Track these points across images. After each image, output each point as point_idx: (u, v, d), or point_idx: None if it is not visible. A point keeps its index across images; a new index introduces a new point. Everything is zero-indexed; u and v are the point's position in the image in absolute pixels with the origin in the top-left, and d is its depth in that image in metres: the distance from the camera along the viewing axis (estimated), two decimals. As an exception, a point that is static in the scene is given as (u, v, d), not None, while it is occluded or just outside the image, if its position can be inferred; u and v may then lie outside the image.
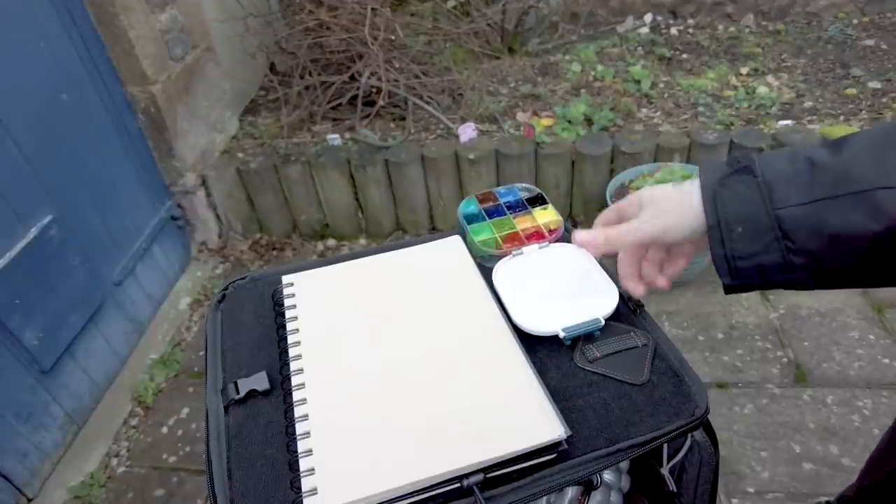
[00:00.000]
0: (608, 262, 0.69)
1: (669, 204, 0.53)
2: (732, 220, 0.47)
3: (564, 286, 0.66)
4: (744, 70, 2.50)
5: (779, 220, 0.46)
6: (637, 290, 0.59)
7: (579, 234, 0.58)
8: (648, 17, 2.99)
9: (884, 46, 2.61)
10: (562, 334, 0.60)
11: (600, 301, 0.63)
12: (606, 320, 0.63)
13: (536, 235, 0.73)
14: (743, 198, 0.47)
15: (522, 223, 0.75)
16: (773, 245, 0.46)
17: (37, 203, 1.52)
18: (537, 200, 0.79)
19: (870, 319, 1.78)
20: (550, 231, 0.74)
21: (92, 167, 1.74)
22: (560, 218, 0.75)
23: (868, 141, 0.45)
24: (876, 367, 1.65)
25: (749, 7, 2.93)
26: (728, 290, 0.51)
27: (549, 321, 0.61)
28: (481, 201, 0.79)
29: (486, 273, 0.69)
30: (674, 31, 2.91)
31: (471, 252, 0.73)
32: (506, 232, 0.74)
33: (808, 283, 0.48)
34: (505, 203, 0.79)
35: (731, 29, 2.89)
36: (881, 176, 0.43)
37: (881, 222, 0.42)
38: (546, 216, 0.76)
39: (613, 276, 0.67)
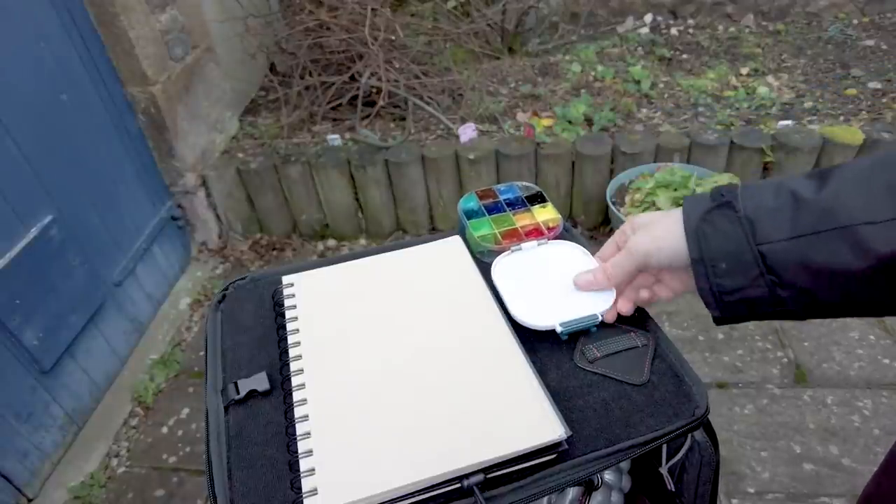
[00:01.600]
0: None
1: (656, 230, 0.54)
2: (716, 256, 0.47)
3: (562, 282, 0.66)
4: (744, 70, 2.50)
5: (763, 256, 0.45)
6: (624, 307, 0.62)
7: (581, 279, 0.63)
8: (648, 18, 2.99)
9: (884, 46, 2.61)
10: (559, 329, 0.60)
11: (598, 298, 0.64)
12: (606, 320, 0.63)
13: (535, 232, 0.74)
14: (725, 233, 0.47)
15: (521, 220, 0.76)
16: (759, 280, 0.46)
17: (37, 203, 1.52)
18: (536, 198, 0.79)
19: (870, 320, 1.78)
20: (549, 229, 0.74)
21: (92, 167, 1.74)
22: (559, 216, 0.76)
23: (853, 174, 0.44)
24: (876, 367, 1.65)
25: (749, 7, 2.93)
26: (718, 322, 0.51)
27: (546, 316, 0.62)
28: (481, 198, 0.80)
29: (485, 268, 0.69)
30: (674, 31, 2.91)
31: (469, 247, 0.73)
32: (505, 228, 0.74)
33: (798, 315, 0.48)
34: (504, 200, 0.79)
35: (731, 29, 2.89)
36: (865, 211, 0.42)
37: (865, 259, 0.41)
38: (545, 214, 0.76)
39: None
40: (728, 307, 0.49)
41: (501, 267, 0.69)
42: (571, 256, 0.70)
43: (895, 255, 0.40)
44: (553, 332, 0.61)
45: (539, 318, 0.62)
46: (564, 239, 0.73)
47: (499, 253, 0.71)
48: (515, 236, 0.73)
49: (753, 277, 0.46)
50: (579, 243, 0.72)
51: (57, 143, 1.60)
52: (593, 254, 0.70)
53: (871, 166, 0.43)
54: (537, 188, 0.81)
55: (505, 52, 2.72)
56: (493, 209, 0.78)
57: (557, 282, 0.67)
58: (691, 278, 0.54)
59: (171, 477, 1.58)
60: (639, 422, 0.53)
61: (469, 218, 0.76)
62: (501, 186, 0.81)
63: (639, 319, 0.64)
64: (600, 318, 0.62)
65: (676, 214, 0.52)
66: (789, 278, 0.45)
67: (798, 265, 0.44)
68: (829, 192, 0.43)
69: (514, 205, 0.78)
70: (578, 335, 0.62)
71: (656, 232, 0.54)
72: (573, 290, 0.65)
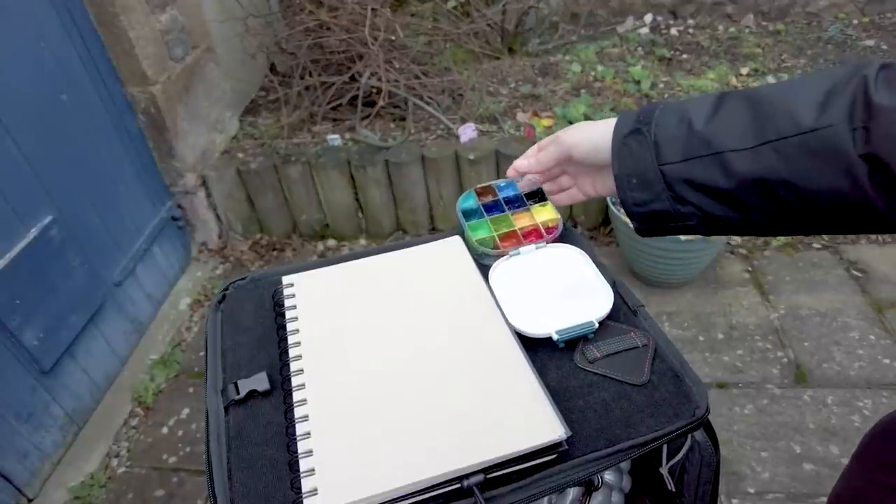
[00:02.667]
0: (604, 261, 0.69)
1: (587, 127, 0.63)
2: (630, 173, 0.56)
3: (560, 288, 0.66)
4: (744, 70, 2.50)
5: (663, 174, 0.54)
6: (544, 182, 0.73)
7: (518, 161, 0.71)
8: (648, 18, 2.99)
9: (884, 47, 2.61)
10: (555, 336, 0.60)
11: (595, 303, 0.63)
12: (607, 321, 0.63)
13: (534, 234, 0.73)
14: (637, 154, 0.55)
15: (520, 221, 0.75)
16: (662, 195, 0.54)
17: (37, 203, 1.52)
18: (536, 195, 0.78)
19: (870, 319, 1.78)
20: (548, 230, 0.73)
21: (92, 167, 1.74)
22: (558, 216, 0.75)
23: (731, 108, 0.52)
24: (876, 367, 1.65)
25: (749, 7, 2.93)
26: (639, 232, 0.60)
27: (543, 323, 0.61)
28: (480, 195, 0.78)
29: (483, 270, 0.69)
30: (674, 31, 2.91)
31: (469, 249, 0.73)
32: (503, 230, 0.74)
33: (700, 229, 0.55)
34: (504, 198, 0.78)
35: (732, 29, 2.89)
36: (733, 140, 0.50)
37: (729, 179, 0.50)
38: (544, 214, 0.75)
39: (609, 277, 0.67)
40: (642, 218, 0.57)
41: (499, 272, 0.68)
42: (569, 260, 0.70)
43: (753, 177, 0.49)
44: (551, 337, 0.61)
45: (536, 325, 0.62)
46: (564, 240, 0.73)
47: (497, 257, 0.70)
48: (514, 238, 0.72)
49: (657, 192, 0.55)
50: (579, 244, 0.72)
51: (57, 143, 1.60)
52: (592, 256, 0.70)
53: (745, 102, 0.51)
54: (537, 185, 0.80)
55: (505, 52, 2.72)
56: (492, 208, 0.77)
57: (555, 286, 0.66)
58: (603, 183, 0.66)
59: (171, 477, 1.58)
60: (639, 422, 0.53)
61: (468, 219, 0.75)
62: (501, 182, 0.80)
63: (639, 319, 0.64)
64: (596, 325, 0.62)
65: (607, 123, 0.60)
66: (681, 193, 0.53)
67: (686, 183, 0.53)
68: (713, 124, 0.52)
69: (513, 203, 0.77)
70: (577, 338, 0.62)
71: (584, 129, 0.63)
72: (571, 296, 0.65)
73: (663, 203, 0.54)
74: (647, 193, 0.55)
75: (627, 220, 1.49)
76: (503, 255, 0.71)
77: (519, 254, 0.71)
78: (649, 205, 0.55)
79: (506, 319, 0.63)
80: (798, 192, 0.48)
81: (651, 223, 0.57)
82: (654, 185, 0.54)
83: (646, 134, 0.55)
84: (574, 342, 0.61)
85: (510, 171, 0.72)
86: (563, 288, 0.66)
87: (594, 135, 0.61)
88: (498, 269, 0.69)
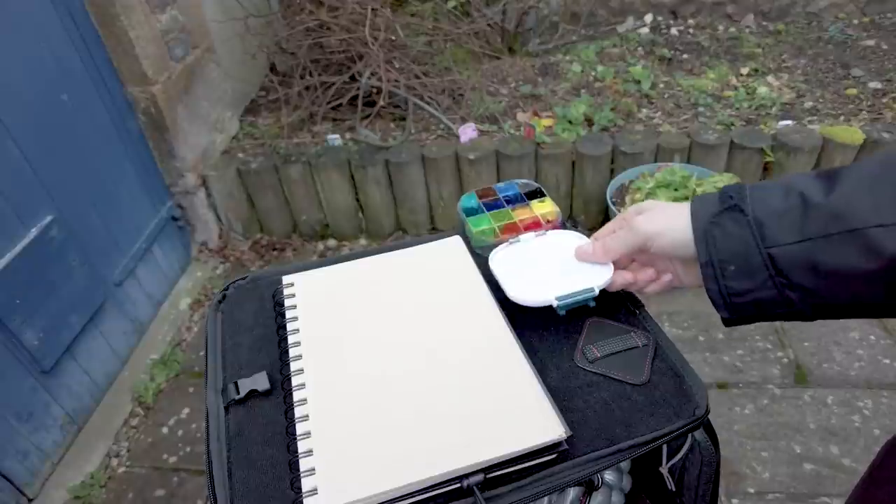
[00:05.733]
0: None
1: (664, 214, 0.55)
2: (725, 259, 0.48)
3: (560, 265, 0.66)
4: (744, 70, 2.50)
5: (772, 259, 0.46)
6: (619, 279, 0.62)
7: (579, 249, 0.63)
8: (649, 18, 2.99)
9: (884, 46, 2.61)
10: (556, 303, 0.60)
11: (594, 275, 0.63)
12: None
13: (534, 226, 0.74)
14: (734, 236, 0.47)
15: (520, 215, 0.76)
16: (768, 282, 0.47)
17: (37, 203, 1.52)
18: (535, 194, 0.79)
19: (870, 320, 1.78)
20: (548, 222, 0.74)
21: (92, 167, 1.74)
22: (558, 210, 0.76)
23: (862, 175, 0.44)
24: (876, 367, 1.65)
25: (749, 7, 2.93)
26: (727, 323, 0.52)
27: (543, 292, 0.61)
28: (481, 196, 0.80)
29: (484, 263, 0.69)
30: (674, 31, 2.91)
31: (469, 243, 0.73)
32: (504, 222, 0.75)
33: (808, 316, 0.48)
34: (504, 197, 0.79)
35: (732, 29, 2.89)
36: (874, 213, 0.42)
37: (876, 261, 0.42)
38: (544, 208, 0.77)
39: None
40: (737, 308, 0.50)
41: (500, 256, 0.69)
42: (570, 243, 0.69)
43: None
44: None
45: (536, 294, 0.61)
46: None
47: (498, 244, 0.71)
48: (514, 230, 0.73)
49: (763, 280, 0.47)
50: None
51: (57, 143, 1.60)
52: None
53: (880, 168, 0.44)
54: (536, 185, 0.81)
55: (505, 52, 2.72)
56: (493, 206, 0.78)
57: (555, 265, 0.66)
58: (686, 273, 0.58)
59: (171, 477, 1.58)
60: (639, 422, 0.53)
61: (469, 216, 0.76)
62: (501, 185, 0.81)
63: (639, 319, 0.64)
64: (597, 292, 0.61)
65: (683, 208, 0.52)
66: (798, 280, 0.45)
67: (807, 267, 0.45)
68: (839, 195, 0.44)
69: (513, 201, 0.79)
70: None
71: (660, 218, 0.55)
72: (570, 271, 0.64)
73: (769, 292, 0.47)
74: (750, 282, 0.47)
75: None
76: (503, 243, 0.71)
77: (519, 241, 0.71)
78: (751, 294, 0.48)
79: (505, 298, 0.63)
80: None
81: (748, 312, 0.49)
82: (759, 271, 0.47)
83: (744, 210, 0.47)
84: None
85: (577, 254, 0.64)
86: (563, 265, 0.66)
87: (673, 223, 0.53)
88: (499, 253, 0.69)
